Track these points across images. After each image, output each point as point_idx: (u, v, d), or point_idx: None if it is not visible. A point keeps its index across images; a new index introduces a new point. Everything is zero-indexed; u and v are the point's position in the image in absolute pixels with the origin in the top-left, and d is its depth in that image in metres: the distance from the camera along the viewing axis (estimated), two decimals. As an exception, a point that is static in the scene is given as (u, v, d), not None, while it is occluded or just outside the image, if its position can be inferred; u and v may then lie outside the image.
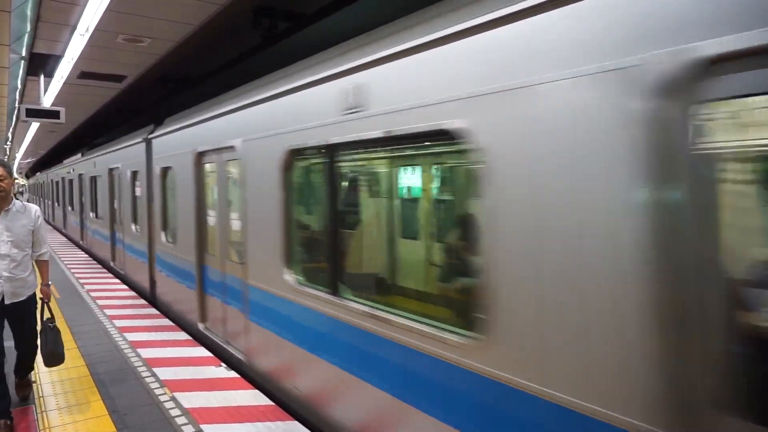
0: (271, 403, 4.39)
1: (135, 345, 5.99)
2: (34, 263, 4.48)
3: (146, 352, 5.72)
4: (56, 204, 22.81)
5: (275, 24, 6.06)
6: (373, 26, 3.72)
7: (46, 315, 4.52)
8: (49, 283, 4.60)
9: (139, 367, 5.29)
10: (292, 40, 6.01)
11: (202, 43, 7.26)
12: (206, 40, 7.11)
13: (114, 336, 6.37)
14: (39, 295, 4.51)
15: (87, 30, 6.27)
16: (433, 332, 2.82)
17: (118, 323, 6.94)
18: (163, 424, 4.01)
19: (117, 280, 10.25)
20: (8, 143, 22.38)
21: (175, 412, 4.23)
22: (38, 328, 4.51)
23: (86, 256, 13.99)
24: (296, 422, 4.03)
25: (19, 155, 32.25)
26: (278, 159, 4.29)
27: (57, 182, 21.59)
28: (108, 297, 8.62)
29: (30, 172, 52.26)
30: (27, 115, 8.63)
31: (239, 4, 5.81)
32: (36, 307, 4.46)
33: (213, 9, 5.81)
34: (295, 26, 5.93)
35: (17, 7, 5.37)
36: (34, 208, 4.43)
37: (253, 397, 4.50)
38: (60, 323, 6.88)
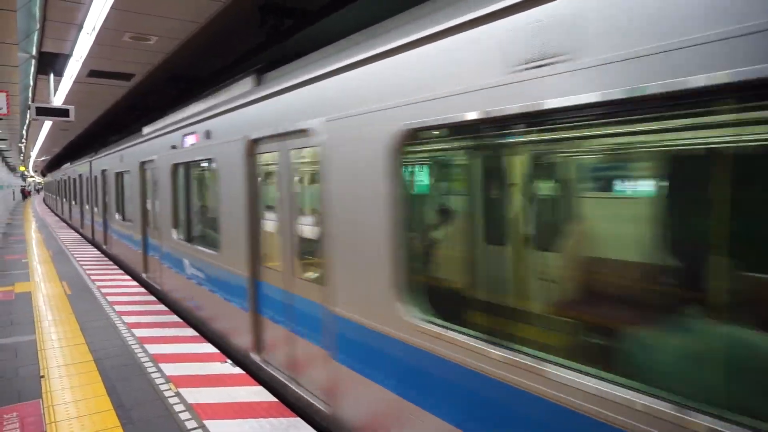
0: (275, 399, 4.40)
1: (142, 341, 6.05)
2: None
3: (153, 348, 5.77)
4: (73, 203, 22.74)
5: (281, 21, 6.07)
6: (379, 21, 3.49)
7: None
8: None
9: (145, 362, 5.33)
10: (297, 37, 6.02)
11: (209, 41, 7.30)
12: (212, 38, 7.15)
13: (122, 332, 6.43)
14: None
15: (93, 29, 6.33)
16: None
17: (127, 319, 7.01)
18: (167, 420, 4.05)
19: (127, 277, 10.35)
20: (23, 141, 22.69)
21: (179, 407, 4.26)
22: None
23: (97, 252, 14.16)
24: (299, 419, 4.04)
25: (33, 153, 32.74)
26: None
27: (75, 179, 21.26)
28: (118, 294, 8.71)
29: (45, 170, 53.07)
30: (37, 114, 8.74)
31: (244, 2, 5.82)
32: None
33: (217, 6, 5.83)
34: (300, 23, 5.93)
35: (22, 6, 5.43)
36: None
37: (257, 394, 4.52)
38: (70, 319, 7.00)
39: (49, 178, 42.12)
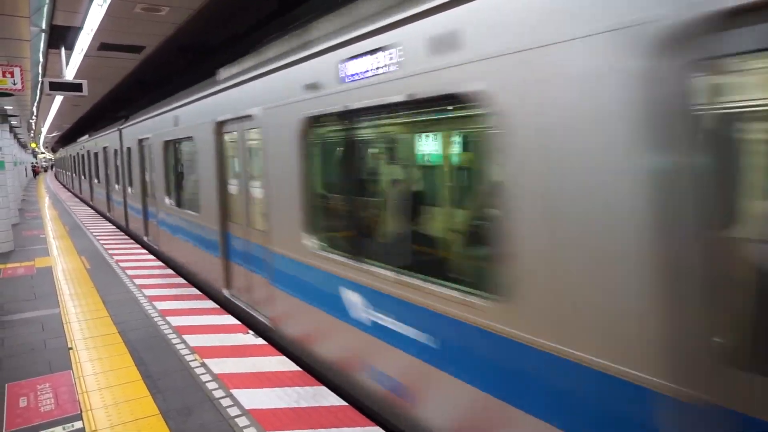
0: (298, 369, 4.47)
1: (164, 313, 6.13)
2: None
3: (175, 320, 5.86)
4: (82, 177, 23.17)
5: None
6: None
7: None
8: None
9: (169, 334, 5.42)
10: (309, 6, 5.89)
11: (220, 11, 7.17)
12: (224, 8, 7.02)
13: (144, 305, 6.53)
14: None
15: (105, 0, 6.22)
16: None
17: (148, 292, 7.11)
18: (195, 389, 4.13)
19: (144, 251, 10.46)
20: (33, 117, 22.71)
21: (206, 377, 4.34)
22: None
23: (113, 227, 14.30)
24: (323, 387, 4.10)
25: (44, 129, 32.81)
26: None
27: (83, 155, 21.80)
28: (136, 267, 8.82)
29: (56, 145, 53.27)
30: (50, 89, 8.69)
31: (256, -31, 5.69)
32: None
33: (229, -26, 5.70)
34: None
35: (35, -23, 5.35)
36: None
37: (281, 364, 4.59)
38: (92, 292, 7.11)
39: (59, 154, 42.40)
